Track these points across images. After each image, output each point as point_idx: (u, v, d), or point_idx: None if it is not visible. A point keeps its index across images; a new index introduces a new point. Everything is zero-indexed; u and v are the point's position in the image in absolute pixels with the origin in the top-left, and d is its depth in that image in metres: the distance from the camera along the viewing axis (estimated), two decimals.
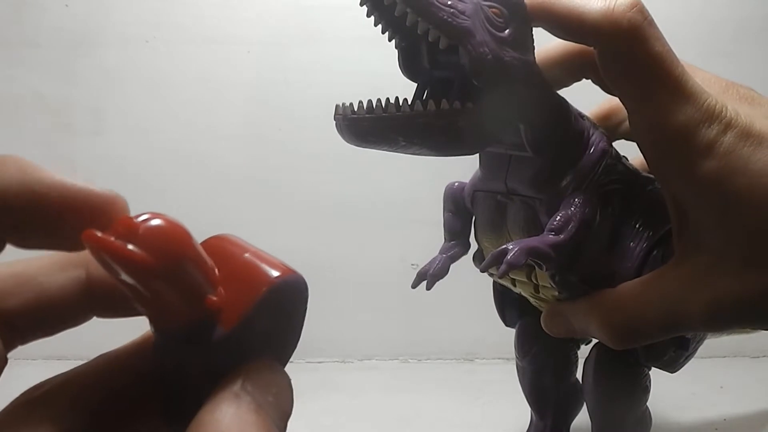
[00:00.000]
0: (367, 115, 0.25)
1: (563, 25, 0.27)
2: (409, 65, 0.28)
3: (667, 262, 0.30)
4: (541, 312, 0.33)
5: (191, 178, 0.68)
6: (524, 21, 0.27)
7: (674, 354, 0.33)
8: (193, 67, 0.67)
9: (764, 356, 0.64)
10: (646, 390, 0.34)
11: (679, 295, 0.26)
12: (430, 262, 0.34)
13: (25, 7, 0.67)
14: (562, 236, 0.27)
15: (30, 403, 0.16)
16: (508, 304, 0.37)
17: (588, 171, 0.29)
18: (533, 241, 0.27)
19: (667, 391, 0.55)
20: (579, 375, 0.37)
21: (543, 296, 0.32)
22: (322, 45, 0.66)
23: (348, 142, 0.26)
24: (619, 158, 0.31)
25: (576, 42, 0.29)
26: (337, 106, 0.26)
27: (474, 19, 0.25)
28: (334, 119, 0.26)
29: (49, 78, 0.67)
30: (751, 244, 0.24)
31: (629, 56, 0.25)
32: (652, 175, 0.32)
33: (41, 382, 0.16)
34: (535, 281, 0.31)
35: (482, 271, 0.28)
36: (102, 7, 0.67)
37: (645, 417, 0.35)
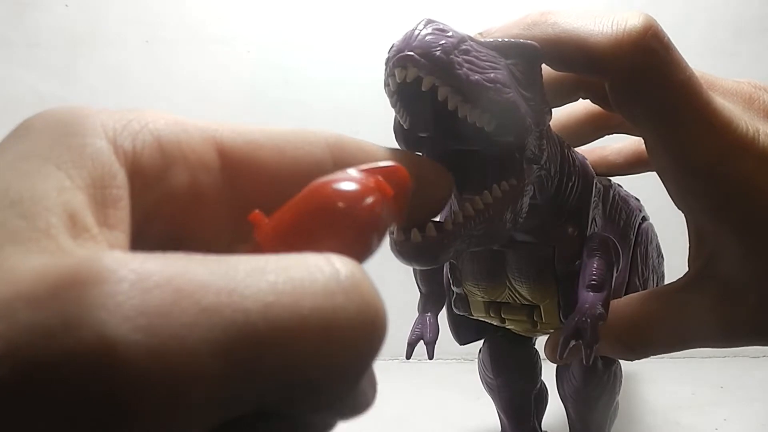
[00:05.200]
0: (438, 236, 0.21)
1: (564, 57, 0.23)
2: (409, 138, 0.25)
3: (649, 260, 0.30)
4: (503, 330, 0.33)
5: None
6: (539, 66, 0.24)
7: None
8: (193, 67, 0.67)
9: (764, 356, 0.64)
10: (621, 381, 0.36)
11: (693, 317, 0.25)
12: (418, 326, 0.32)
13: (25, 7, 0.67)
14: (605, 291, 0.26)
15: None
16: (463, 323, 0.35)
17: (589, 199, 0.28)
18: (590, 309, 0.26)
19: (667, 391, 0.55)
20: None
21: (540, 330, 0.31)
22: (322, 45, 0.67)
23: (413, 266, 0.23)
24: (593, 172, 0.30)
25: (583, 75, 0.25)
26: (399, 234, 0.22)
27: (512, 86, 0.22)
28: (398, 246, 0.22)
29: (49, 78, 0.67)
30: None
31: (647, 90, 0.22)
32: (607, 178, 0.31)
33: None
34: (537, 319, 0.30)
35: (562, 356, 0.26)
36: (102, 7, 0.67)
37: (618, 404, 0.37)
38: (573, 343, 0.25)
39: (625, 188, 0.33)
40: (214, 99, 0.67)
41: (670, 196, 0.25)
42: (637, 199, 0.33)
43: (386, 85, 0.22)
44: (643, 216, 0.33)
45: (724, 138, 0.22)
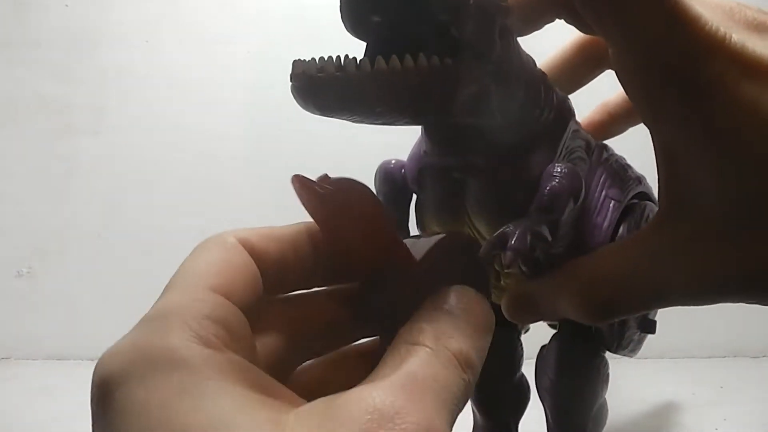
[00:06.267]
0: (338, 74, 0.20)
1: None
2: (355, 19, 0.23)
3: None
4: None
5: (191, 178, 0.68)
6: None
7: (638, 338, 0.31)
8: (193, 67, 0.67)
9: (764, 356, 0.64)
10: (607, 379, 0.32)
11: (664, 263, 0.22)
12: None
13: (25, 7, 0.67)
14: (553, 214, 0.24)
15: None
16: None
17: (560, 134, 0.26)
18: (530, 222, 0.23)
19: (667, 391, 0.55)
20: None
21: (503, 284, 0.29)
22: (322, 45, 0.66)
23: (308, 109, 0.22)
24: (578, 122, 0.28)
25: None
26: (295, 63, 0.21)
27: None
28: (294, 80, 0.22)
29: (49, 78, 0.67)
30: (754, 205, 0.20)
31: None
32: (604, 142, 0.30)
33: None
34: (498, 268, 0.27)
35: (483, 260, 0.24)
36: (102, 7, 0.67)
37: (604, 409, 0.33)
38: (496, 252, 0.23)
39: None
40: (214, 99, 0.67)
41: (639, 112, 0.23)
42: (643, 177, 0.31)
43: None
44: (645, 192, 0.31)
45: (692, 34, 0.20)
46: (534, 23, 0.27)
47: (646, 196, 0.31)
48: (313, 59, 0.21)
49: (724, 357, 0.63)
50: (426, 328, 0.19)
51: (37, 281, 0.67)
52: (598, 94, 0.32)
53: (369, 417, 0.15)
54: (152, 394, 0.15)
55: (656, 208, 0.32)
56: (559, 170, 0.25)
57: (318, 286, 0.24)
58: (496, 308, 0.32)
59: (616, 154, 0.30)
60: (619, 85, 0.25)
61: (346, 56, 0.21)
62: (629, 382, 0.54)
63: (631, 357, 0.32)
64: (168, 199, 0.67)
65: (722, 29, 0.20)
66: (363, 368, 0.19)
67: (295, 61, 0.21)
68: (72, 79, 0.67)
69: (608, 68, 0.29)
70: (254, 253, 0.21)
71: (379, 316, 0.22)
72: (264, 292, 0.21)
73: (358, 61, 0.20)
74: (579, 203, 0.25)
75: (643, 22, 0.20)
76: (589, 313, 0.24)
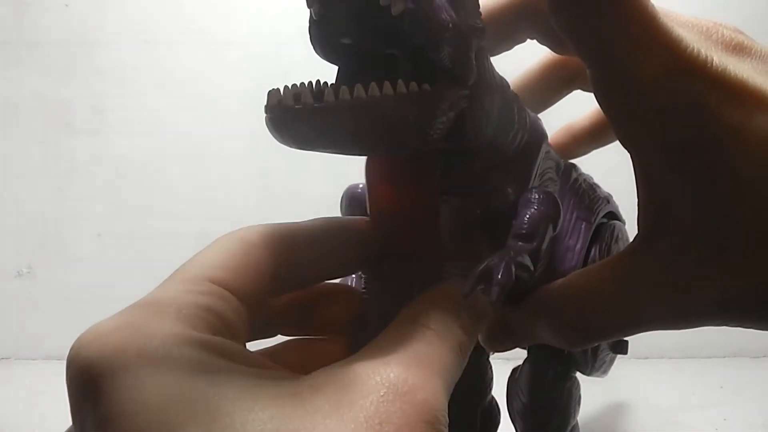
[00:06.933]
0: (316, 105, 0.19)
1: None
2: (325, 42, 0.22)
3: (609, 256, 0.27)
4: None
5: (191, 178, 0.68)
6: None
7: (610, 359, 0.31)
8: (193, 67, 0.67)
9: (764, 356, 0.64)
10: (579, 401, 0.32)
11: (642, 287, 0.21)
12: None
13: (25, 7, 0.67)
14: (534, 243, 0.23)
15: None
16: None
17: (534, 157, 0.26)
18: (513, 253, 0.23)
19: (667, 391, 0.55)
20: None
21: None
22: None
23: (285, 143, 0.20)
24: (548, 144, 0.28)
25: None
26: (270, 94, 0.20)
27: None
28: (269, 112, 0.20)
29: (49, 78, 0.67)
30: (737, 231, 0.19)
31: (586, 3, 0.20)
32: (572, 162, 0.29)
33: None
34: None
35: (467, 295, 0.22)
36: (102, 7, 0.67)
37: (576, 431, 0.33)
38: (482, 287, 0.22)
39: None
40: (214, 99, 0.67)
41: (616, 133, 0.22)
42: (611, 196, 0.31)
43: None
44: (613, 212, 0.31)
45: (673, 56, 0.19)
46: (505, 44, 0.27)
47: (614, 215, 0.31)
48: (287, 87, 0.20)
49: (724, 357, 0.63)
50: (432, 312, 0.20)
51: (37, 281, 0.67)
52: (568, 114, 0.32)
53: (385, 391, 0.16)
54: (155, 386, 0.15)
55: (625, 228, 0.32)
56: (536, 196, 0.24)
57: (341, 278, 0.26)
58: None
59: (584, 174, 0.30)
60: (587, 104, 0.25)
61: (318, 82, 0.21)
62: (629, 382, 0.54)
63: (602, 377, 0.32)
64: (168, 199, 0.67)
65: (703, 52, 0.20)
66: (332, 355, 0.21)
67: (270, 92, 0.20)
68: (72, 79, 0.67)
69: (577, 88, 0.29)
70: (276, 247, 0.21)
71: (395, 294, 0.24)
72: (283, 285, 0.22)
73: (334, 89, 0.19)
74: (558, 229, 0.25)
75: (622, 45, 0.20)
76: (567, 339, 0.24)
